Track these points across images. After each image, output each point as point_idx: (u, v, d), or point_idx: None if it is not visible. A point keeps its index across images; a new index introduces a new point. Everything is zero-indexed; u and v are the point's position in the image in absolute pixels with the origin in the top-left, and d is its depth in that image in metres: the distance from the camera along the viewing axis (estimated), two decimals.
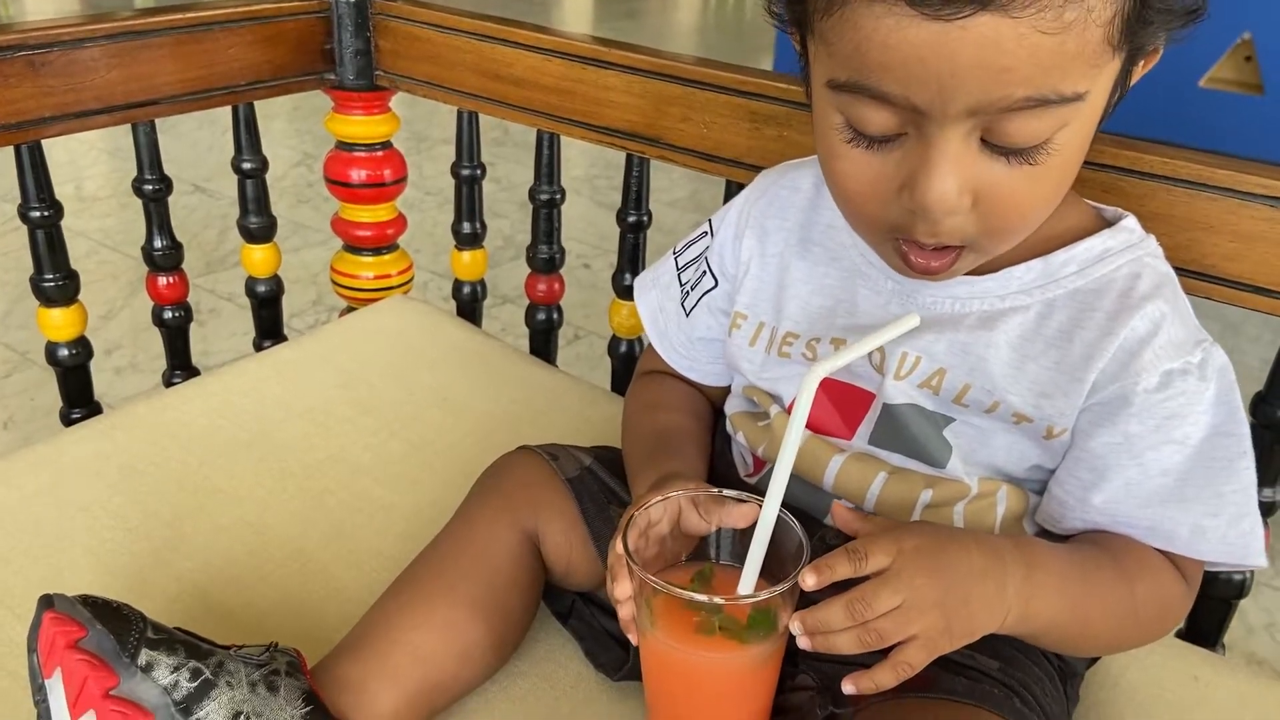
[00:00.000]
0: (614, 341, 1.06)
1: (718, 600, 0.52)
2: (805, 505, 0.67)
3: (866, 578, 0.53)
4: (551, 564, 0.70)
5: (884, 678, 0.53)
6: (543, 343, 1.11)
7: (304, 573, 0.77)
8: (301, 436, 0.92)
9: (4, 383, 1.83)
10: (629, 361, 1.05)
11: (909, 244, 0.57)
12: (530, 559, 0.68)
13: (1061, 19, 0.47)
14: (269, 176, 1.10)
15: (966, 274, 0.62)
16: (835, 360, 0.54)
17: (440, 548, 0.68)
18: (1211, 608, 0.80)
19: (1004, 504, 0.63)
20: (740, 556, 0.56)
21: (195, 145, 2.97)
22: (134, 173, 1.02)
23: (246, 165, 1.07)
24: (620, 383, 1.07)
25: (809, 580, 0.52)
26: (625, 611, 0.56)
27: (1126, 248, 0.61)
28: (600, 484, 0.71)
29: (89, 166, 2.82)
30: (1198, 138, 2.87)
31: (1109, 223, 0.63)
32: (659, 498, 0.57)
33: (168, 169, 1.04)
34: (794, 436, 0.53)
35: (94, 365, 1.05)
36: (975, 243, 0.56)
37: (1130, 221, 0.62)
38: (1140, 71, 0.56)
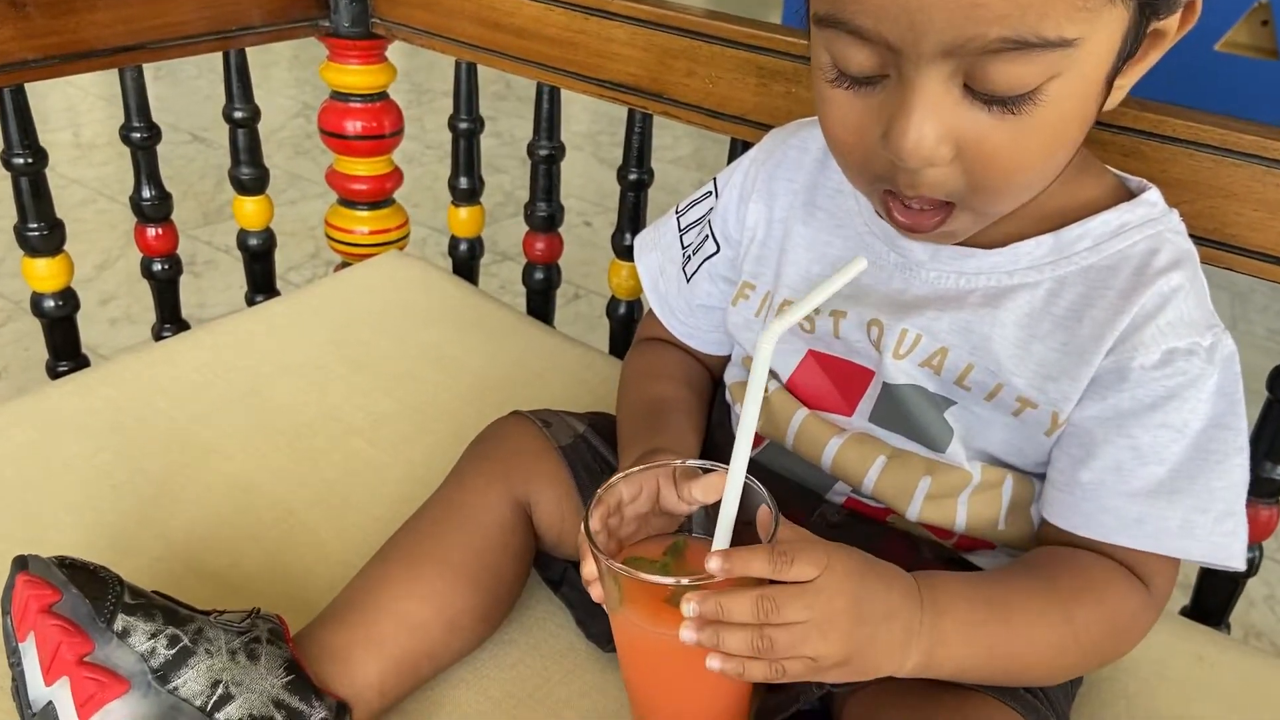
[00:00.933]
0: (613, 303, 1.03)
1: (670, 581, 0.50)
2: (806, 481, 0.65)
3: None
4: (543, 532, 0.68)
5: (756, 670, 0.49)
6: (540, 303, 1.08)
7: (292, 534, 0.76)
8: (293, 394, 0.90)
9: None
10: (628, 324, 1.03)
11: (894, 198, 0.54)
12: (521, 527, 0.66)
13: None
14: (267, 127, 1.07)
15: (973, 247, 0.59)
16: (786, 319, 0.50)
17: (430, 514, 0.66)
18: (1218, 586, 0.78)
19: (1009, 493, 0.61)
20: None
21: (193, 93, 2.92)
22: None
23: (238, 114, 1.04)
24: (618, 345, 1.05)
25: (712, 565, 0.48)
26: (596, 592, 0.54)
27: (1145, 222, 0.58)
28: (594, 452, 0.69)
29: (87, 113, 2.78)
30: (1213, 102, 2.82)
31: (1133, 194, 0.60)
32: (623, 474, 0.55)
33: (164, 117, 1.01)
34: (754, 398, 0.50)
35: (89, 316, 1.03)
36: (965, 201, 0.53)
37: (1152, 194, 0.59)
38: (1176, 33, 0.53)
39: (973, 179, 0.51)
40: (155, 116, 1.00)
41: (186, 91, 2.93)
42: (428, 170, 2.56)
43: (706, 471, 0.55)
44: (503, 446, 0.69)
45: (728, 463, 0.52)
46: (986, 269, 0.59)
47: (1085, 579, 0.56)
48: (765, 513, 0.52)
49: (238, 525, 0.76)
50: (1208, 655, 0.71)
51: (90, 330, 1.85)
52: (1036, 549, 0.59)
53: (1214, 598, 0.78)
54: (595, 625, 0.67)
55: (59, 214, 0.96)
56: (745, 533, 0.53)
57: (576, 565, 0.70)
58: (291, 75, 3.12)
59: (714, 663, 0.49)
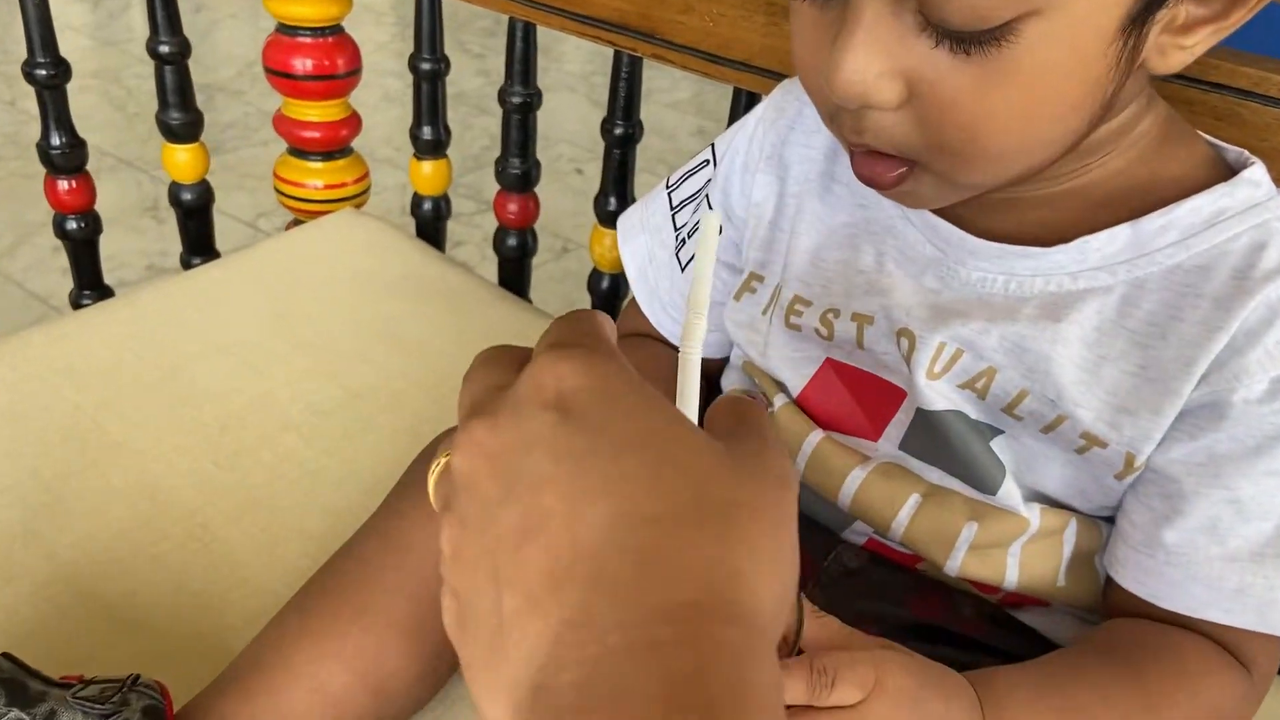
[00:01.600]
0: (595, 276, 0.91)
1: None
2: (818, 517, 0.53)
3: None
4: None
5: None
6: (514, 272, 0.96)
7: (206, 555, 0.64)
8: (221, 378, 0.78)
9: None
10: (611, 300, 0.90)
11: (851, 143, 0.44)
12: None
13: None
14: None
15: (1026, 244, 0.47)
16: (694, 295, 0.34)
17: (358, 552, 0.54)
18: None
19: (1072, 542, 0.49)
20: None
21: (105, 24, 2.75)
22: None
23: (164, 49, 0.90)
24: None
25: None
26: None
27: (1249, 209, 0.46)
28: None
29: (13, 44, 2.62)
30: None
31: (1232, 171, 0.47)
32: None
33: (130, 47, 0.87)
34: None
35: (40, 266, 0.90)
36: (927, 161, 0.42)
37: (1257, 171, 0.47)
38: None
39: (930, 133, 0.41)
40: (128, 45, 0.86)
41: (96, 21, 2.76)
42: (403, 114, 2.41)
43: None
44: None
45: None
46: (1045, 269, 0.47)
47: (1177, 671, 0.45)
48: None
49: (141, 543, 0.64)
50: None
51: (43, 280, 1.73)
52: (1111, 624, 0.48)
53: None
54: None
55: None
56: None
57: None
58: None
59: None
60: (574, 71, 2.68)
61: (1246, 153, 0.48)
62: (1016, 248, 0.47)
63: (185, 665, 0.57)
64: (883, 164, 0.43)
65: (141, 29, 2.67)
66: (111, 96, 2.28)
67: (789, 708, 0.38)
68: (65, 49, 0.89)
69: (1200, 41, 0.42)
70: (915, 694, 0.39)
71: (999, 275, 0.48)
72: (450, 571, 0.28)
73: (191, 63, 0.93)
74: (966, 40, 0.38)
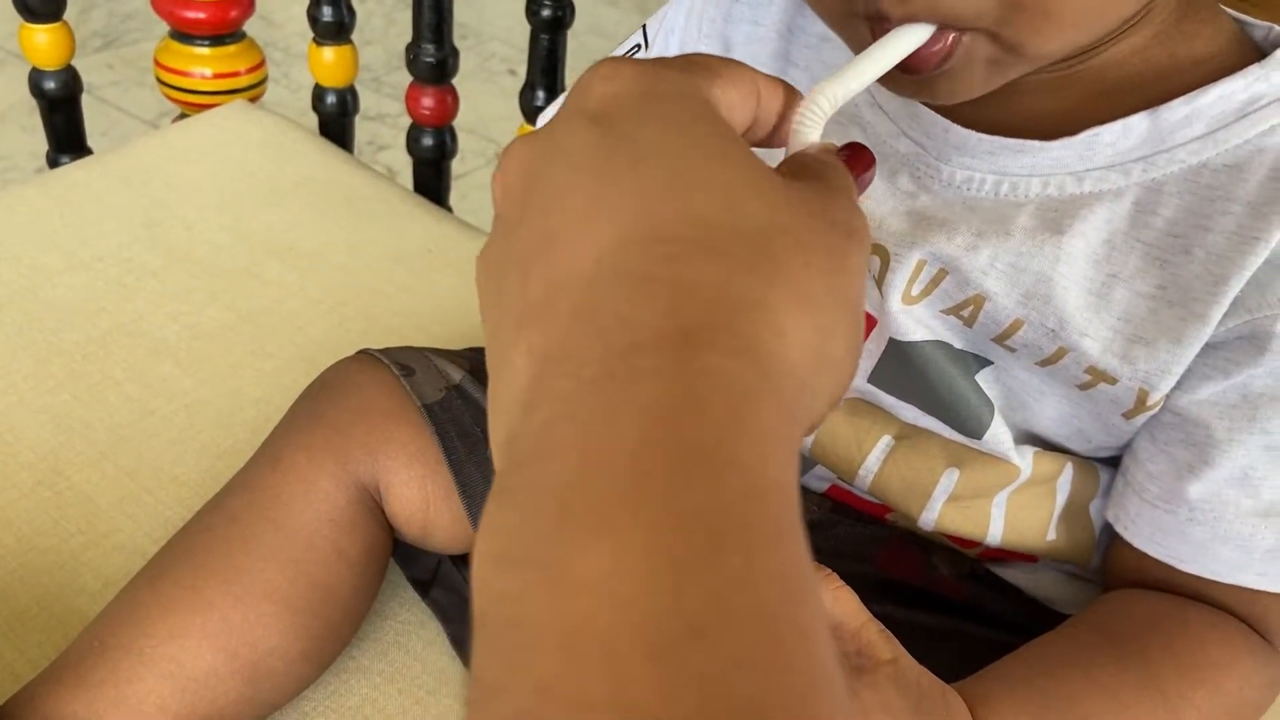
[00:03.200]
0: None
1: None
2: None
3: None
4: (402, 524, 0.48)
5: None
6: (430, 176, 0.85)
7: (59, 506, 0.55)
8: (84, 297, 0.67)
9: None
10: None
11: (881, 24, 0.34)
12: (365, 522, 0.46)
13: None
14: None
15: (1020, 137, 0.39)
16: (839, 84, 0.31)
17: (228, 506, 0.46)
18: None
19: (1067, 490, 0.43)
20: None
21: None
22: None
23: None
24: None
25: None
26: None
27: None
28: (474, 411, 0.49)
29: None
30: None
31: (1263, 53, 0.39)
32: None
33: None
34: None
35: None
36: (994, 26, 0.33)
37: None
38: None
39: None
40: None
41: None
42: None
43: None
44: (342, 406, 0.48)
45: None
46: (1045, 169, 0.39)
47: (1197, 665, 0.39)
48: None
49: None
50: None
51: None
52: (1117, 601, 0.41)
53: None
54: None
55: None
56: None
57: (453, 559, 0.52)
58: None
59: None
60: None
61: (1278, 29, 0.40)
62: (1012, 141, 0.39)
63: (30, 636, 0.49)
64: (928, 47, 0.33)
65: None
66: None
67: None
68: None
69: None
70: None
71: (989, 175, 0.40)
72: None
73: None
74: None
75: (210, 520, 0.45)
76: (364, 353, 0.51)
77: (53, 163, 0.87)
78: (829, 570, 0.34)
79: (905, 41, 0.33)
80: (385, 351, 0.50)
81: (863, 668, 0.33)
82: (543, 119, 0.54)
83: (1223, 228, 0.37)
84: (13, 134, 1.65)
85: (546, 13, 0.73)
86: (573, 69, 0.79)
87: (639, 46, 0.50)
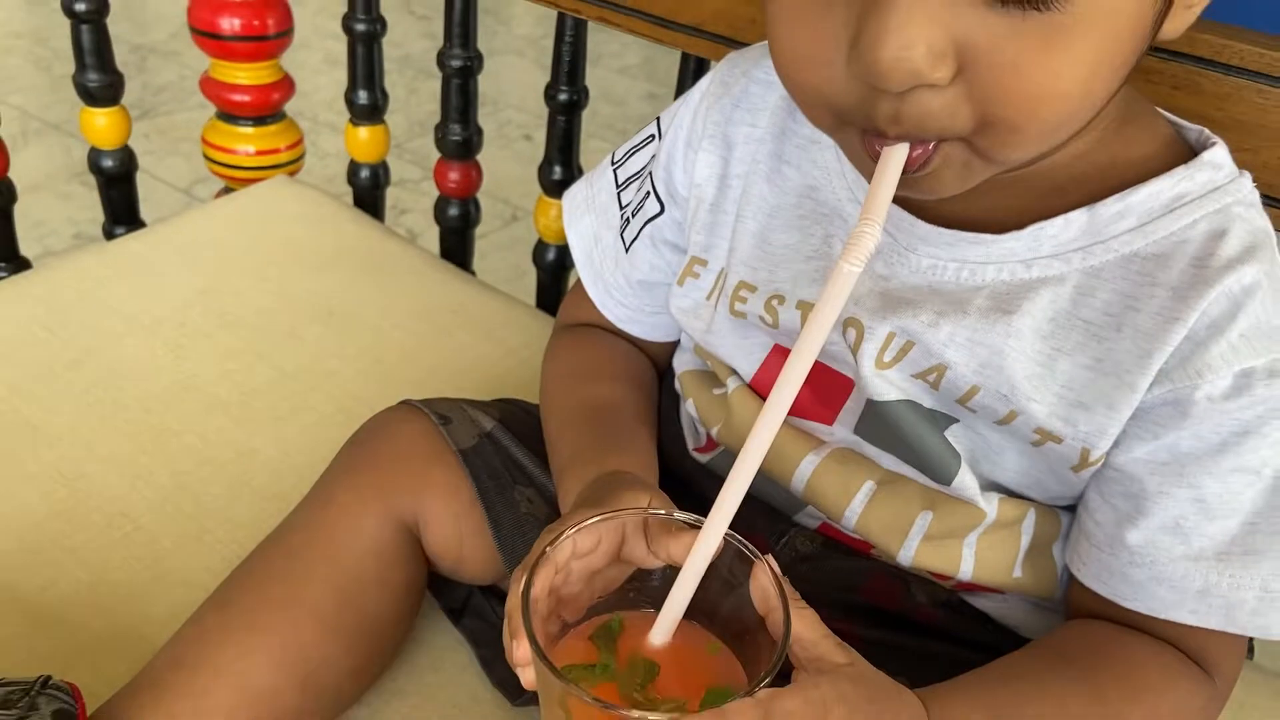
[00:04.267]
0: (540, 248, 0.88)
1: (636, 717, 0.36)
2: (771, 500, 0.51)
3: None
4: (438, 556, 0.54)
5: None
6: (456, 243, 0.92)
7: (127, 545, 0.61)
8: (144, 358, 0.74)
9: None
10: (557, 273, 0.88)
11: (874, 137, 0.39)
12: (406, 555, 0.52)
13: None
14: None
15: (977, 231, 0.44)
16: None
17: (285, 542, 0.52)
18: None
19: (1030, 533, 0.48)
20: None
21: None
22: (16, 12, 0.79)
23: (80, 6, 0.85)
24: (547, 296, 0.89)
25: None
26: (525, 678, 0.40)
27: (1208, 193, 0.43)
28: (503, 455, 0.55)
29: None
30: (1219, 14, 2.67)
31: (1193, 152, 0.45)
32: (578, 524, 0.40)
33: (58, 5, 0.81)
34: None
35: None
36: (971, 139, 0.38)
37: (1218, 153, 0.44)
38: None
39: (985, 109, 0.37)
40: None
41: None
42: (334, 79, 2.34)
43: (687, 525, 0.40)
44: (385, 451, 0.54)
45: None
46: (998, 258, 0.44)
47: (1137, 685, 0.43)
48: (767, 596, 0.38)
49: (58, 533, 0.61)
50: (1247, 701, 0.59)
51: None
52: (1070, 628, 0.46)
53: None
54: (503, 668, 0.54)
55: None
56: (723, 603, 0.40)
57: (482, 590, 0.57)
58: None
59: None
60: (523, 35, 2.62)
61: (1208, 132, 0.46)
62: (968, 234, 0.45)
63: (103, 662, 0.55)
64: (915, 147, 0.39)
65: None
66: (37, 58, 2.19)
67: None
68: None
69: (1199, 1, 0.40)
70: None
71: (950, 263, 0.45)
72: None
73: (124, 23, 0.88)
74: (1032, 0, 0.35)
75: (270, 554, 0.51)
76: (406, 403, 0.57)
77: (108, 234, 0.95)
78: (794, 591, 0.39)
79: (898, 158, 0.38)
80: (425, 402, 0.56)
81: (821, 669, 0.38)
82: (567, 198, 0.61)
83: (1150, 309, 0.43)
84: (49, 202, 1.73)
85: (563, 96, 0.80)
86: (587, 132, 0.86)
87: (653, 137, 0.57)
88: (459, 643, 0.57)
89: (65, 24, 0.86)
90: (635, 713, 0.35)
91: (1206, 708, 0.45)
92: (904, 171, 0.39)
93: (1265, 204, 0.54)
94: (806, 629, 0.39)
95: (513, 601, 0.41)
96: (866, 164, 0.40)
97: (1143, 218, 0.43)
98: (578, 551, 0.41)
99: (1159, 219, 0.43)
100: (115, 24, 0.93)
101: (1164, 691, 0.43)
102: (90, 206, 1.74)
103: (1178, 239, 0.43)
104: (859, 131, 0.39)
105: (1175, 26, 0.40)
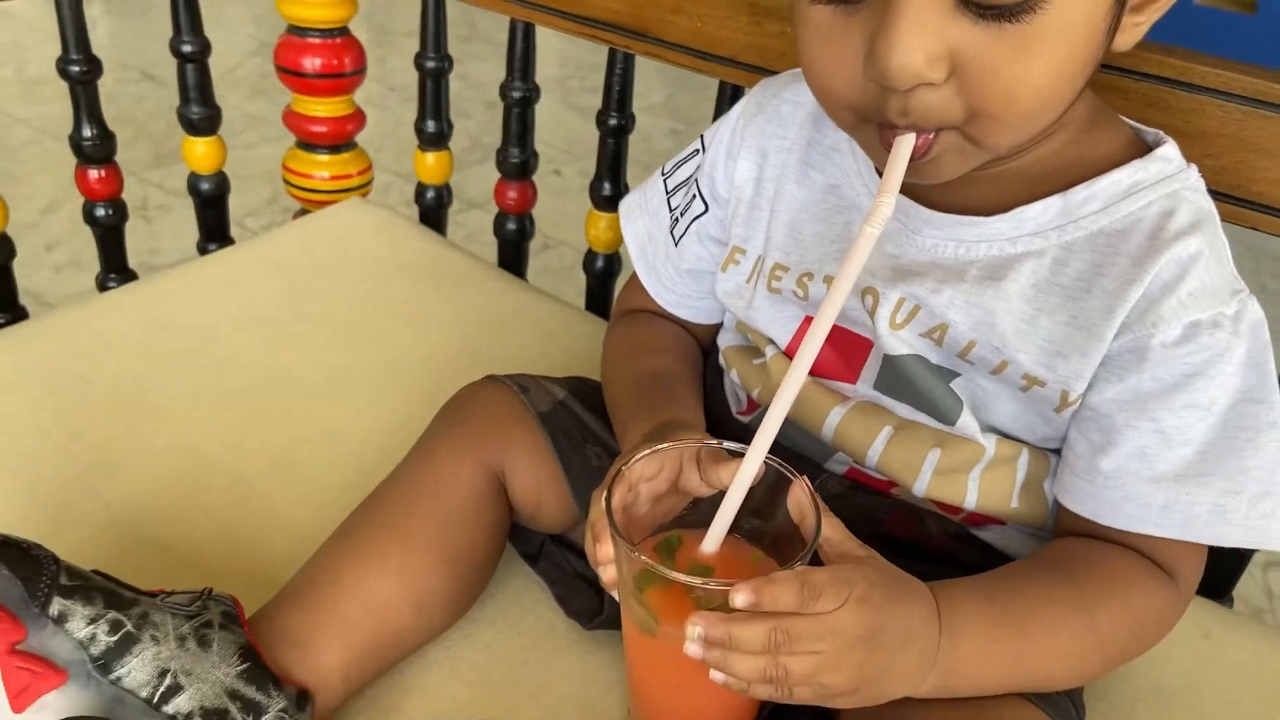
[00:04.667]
0: (589, 256, 0.98)
1: (697, 582, 0.45)
2: (804, 450, 0.61)
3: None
4: (519, 504, 0.63)
5: (762, 691, 0.46)
6: (512, 254, 1.03)
7: (246, 504, 0.71)
8: (246, 351, 0.84)
9: None
10: (605, 279, 0.98)
11: (887, 129, 0.49)
12: (495, 499, 0.62)
13: None
14: (222, 65, 1.00)
15: (974, 214, 0.54)
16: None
17: (396, 486, 0.61)
18: (1222, 558, 0.75)
19: (1025, 469, 0.57)
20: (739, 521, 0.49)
21: (142, 30, 2.79)
22: None
23: (186, 48, 0.96)
24: (595, 301, 0.99)
25: (739, 600, 0.44)
26: (607, 575, 0.50)
27: (1160, 180, 0.53)
28: (575, 419, 0.64)
29: (32, 48, 2.64)
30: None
31: (1149, 149, 0.55)
32: (649, 449, 0.50)
33: (114, 53, 0.93)
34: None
35: (33, 262, 0.96)
36: (965, 127, 0.48)
37: (1169, 149, 0.54)
38: None
39: (972, 102, 0.47)
40: (104, 53, 0.93)
41: (137, 27, 2.81)
42: (390, 114, 2.46)
43: (734, 454, 0.50)
44: (476, 413, 0.64)
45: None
46: (988, 236, 0.54)
47: (1109, 579, 0.52)
48: (802, 505, 0.48)
49: (186, 495, 0.71)
50: (1214, 632, 0.68)
51: (35, 277, 1.77)
52: (1056, 542, 0.55)
53: (1219, 572, 0.75)
54: (576, 601, 0.63)
55: None
56: (767, 522, 0.49)
57: (554, 539, 0.66)
58: (249, 12, 2.99)
59: (719, 676, 0.45)
60: (550, 76, 2.75)
61: (1161, 133, 0.56)
62: (964, 217, 0.54)
63: (237, 591, 0.63)
64: (919, 136, 0.49)
65: (107, 38, 2.72)
66: (109, 95, 2.33)
67: (781, 613, 0.45)
68: (47, 54, 0.95)
69: (1146, 19, 0.50)
70: (880, 604, 0.46)
71: (949, 241, 0.55)
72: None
73: (164, 69, 0.99)
74: (1005, 14, 0.44)
75: (383, 496, 0.61)
76: (491, 376, 0.66)
77: (202, 250, 1.05)
78: (825, 506, 0.48)
79: (906, 147, 0.48)
80: (506, 376, 0.66)
81: (846, 561, 0.47)
82: (623, 205, 0.71)
83: (1114, 274, 0.52)
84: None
85: (613, 121, 0.91)
86: (628, 166, 0.96)
87: (697, 151, 0.67)
88: (535, 583, 0.66)
89: (118, 69, 0.97)
90: (698, 579, 0.45)
91: (1170, 602, 0.53)
92: (912, 159, 0.49)
93: (1223, 198, 0.64)
94: (834, 530, 0.48)
95: (595, 513, 0.51)
96: (881, 154, 0.50)
97: (1106, 201, 0.53)
98: (644, 476, 0.51)
99: (1119, 202, 0.53)
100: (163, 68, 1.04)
101: (1131, 586, 0.52)
102: (150, 238, 1.86)
103: (1135, 217, 0.52)
104: (874, 126, 0.50)
105: (1125, 40, 0.50)
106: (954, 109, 0.47)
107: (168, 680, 0.50)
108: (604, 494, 0.48)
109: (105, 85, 0.95)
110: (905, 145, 0.48)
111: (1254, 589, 1.36)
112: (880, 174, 0.51)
